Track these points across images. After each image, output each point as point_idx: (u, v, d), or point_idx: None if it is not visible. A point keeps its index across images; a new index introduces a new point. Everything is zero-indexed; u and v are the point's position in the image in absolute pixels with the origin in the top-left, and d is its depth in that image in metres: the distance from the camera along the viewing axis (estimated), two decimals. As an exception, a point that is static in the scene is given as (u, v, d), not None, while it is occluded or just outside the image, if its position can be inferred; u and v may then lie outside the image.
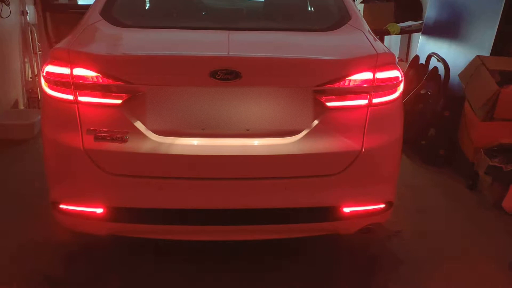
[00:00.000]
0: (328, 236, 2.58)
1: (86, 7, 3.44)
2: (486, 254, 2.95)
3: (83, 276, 2.64)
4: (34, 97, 5.47)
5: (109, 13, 2.56)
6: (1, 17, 4.88)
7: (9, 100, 5.19)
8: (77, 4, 5.60)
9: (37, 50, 5.55)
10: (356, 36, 2.51)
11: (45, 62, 2.28)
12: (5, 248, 2.86)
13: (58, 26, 5.05)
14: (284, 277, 2.67)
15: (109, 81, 2.17)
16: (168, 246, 2.84)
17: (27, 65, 5.57)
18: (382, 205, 2.40)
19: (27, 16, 5.44)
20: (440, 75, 4.48)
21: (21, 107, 5.45)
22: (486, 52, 4.05)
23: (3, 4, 4.87)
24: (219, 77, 2.12)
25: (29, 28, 5.45)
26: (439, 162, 4.25)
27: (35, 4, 5.44)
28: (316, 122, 2.24)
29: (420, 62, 5.10)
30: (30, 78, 5.60)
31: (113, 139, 2.20)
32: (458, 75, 4.11)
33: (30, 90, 5.50)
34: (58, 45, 2.32)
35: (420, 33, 5.61)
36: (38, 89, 5.48)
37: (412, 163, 4.31)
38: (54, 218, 2.43)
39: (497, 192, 3.52)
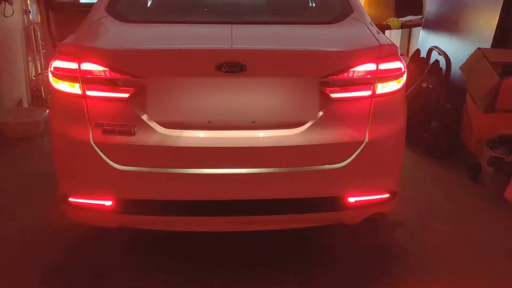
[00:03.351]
0: (333, 226, 2.62)
1: (89, 5, 3.47)
2: (489, 244, 2.99)
3: (91, 268, 2.68)
4: (38, 95, 5.50)
5: (114, 9, 2.59)
6: (4, 16, 4.92)
7: (13, 98, 5.22)
8: (79, 2, 5.62)
9: (40, 49, 5.58)
10: (359, 29, 2.54)
11: (48, 60, 2.30)
12: (14, 242, 2.90)
13: (61, 24, 5.09)
14: (289, 267, 2.71)
15: (117, 75, 2.20)
16: (177, 238, 2.88)
17: (30, 64, 5.61)
18: (387, 195, 2.43)
19: (30, 15, 5.47)
20: (441, 68, 4.50)
21: (25, 105, 5.49)
22: (487, 44, 4.07)
23: (6, 3, 4.90)
24: (224, 70, 2.16)
25: (32, 27, 5.48)
26: (441, 154, 4.28)
27: (38, 3, 5.47)
28: (320, 113, 2.28)
29: (421, 56, 5.12)
30: (34, 76, 5.63)
31: (121, 133, 2.23)
32: (460, 67, 4.13)
33: (34, 89, 5.53)
34: (66, 41, 2.35)
35: (420, 27, 5.63)
36: (42, 87, 5.52)
37: (415, 156, 4.34)
38: (62, 212, 2.46)
39: (499, 183, 3.56)
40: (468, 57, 4.05)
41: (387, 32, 6.26)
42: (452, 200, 3.57)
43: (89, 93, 2.22)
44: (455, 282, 2.62)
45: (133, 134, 2.23)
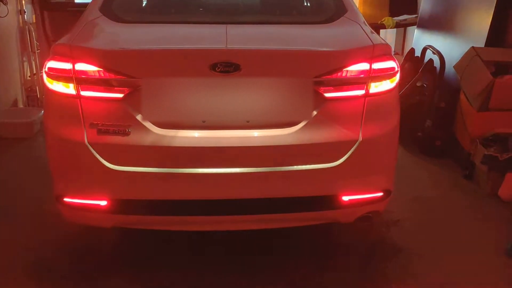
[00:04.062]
0: (328, 225, 2.63)
1: (83, 5, 3.46)
2: (483, 241, 3.01)
3: (87, 269, 2.68)
4: (33, 96, 5.50)
5: (108, 9, 2.59)
6: (-1, 17, 4.91)
7: (8, 98, 5.22)
8: (74, 2, 5.61)
9: (35, 49, 5.58)
10: (353, 28, 2.56)
11: (43, 60, 2.30)
12: (10, 243, 2.90)
13: (56, 24, 5.08)
14: (285, 265, 2.72)
15: (111, 75, 2.21)
16: (173, 238, 2.89)
17: (25, 64, 5.60)
18: (380, 193, 2.45)
19: (25, 15, 5.46)
20: (435, 67, 4.52)
21: (20, 105, 5.48)
22: (480, 43, 4.10)
23: (1, 3, 4.89)
24: (219, 70, 2.17)
25: (27, 27, 5.47)
26: (436, 153, 4.30)
27: (32, 3, 5.46)
28: (314, 112, 2.29)
29: (415, 55, 5.15)
30: (29, 77, 5.63)
31: (115, 133, 2.24)
32: (454, 66, 4.16)
33: (29, 89, 5.53)
34: (60, 41, 2.35)
35: (415, 26, 5.66)
36: (37, 87, 5.52)
37: (409, 155, 4.36)
38: (58, 212, 2.47)
39: (493, 181, 3.58)
40: (462, 56, 4.07)
41: (382, 31, 6.29)
42: (446, 198, 3.60)
43: (83, 93, 2.23)
44: (450, 280, 2.63)
45: (127, 134, 2.24)
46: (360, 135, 2.32)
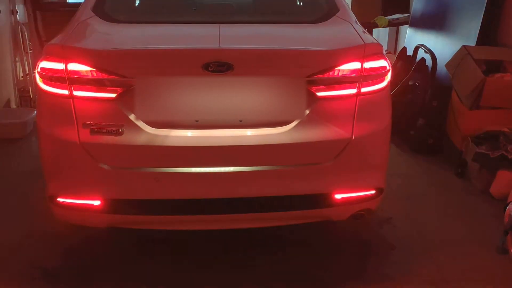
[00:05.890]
0: (321, 223, 2.65)
1: (76, 5, 3.47)
2: (475, 238, 3.03)
3: (80, 269, 2.68)
4: (26, 96, 5.48)
5: (101, 9, 2.60)
6: (-9, 17, 4.90)
7: (1, 99, 5.20)
8: (67, 2, 5.60)
9: (28, 49, 5.56)
10: (344, 28, 2.58)
11: (36, 61, 2.30)
12: (3, 243, 2.89)
13: (49, 24, 5.08)
14: (280, 264, 2.73)
15: (104, 75, 2.21)
16: (167, 239, 2.90)
17: (18, 64, 5.58)
18: (373, 191, 2.47)
19: (17, 15, 5.43)
20: (427, 66, 4.56)
21: (13, 106, 5.46)
22: (471, 42, 4.14)
23: (-7, 3, 4.89)
24: (211, 69, 2.17)
25: (19, 27, 5.45)
26: (428, 151, 4.33)
27: (25, 3, 5.45)
28: (307, 111, 2.30)
29: (408, 54, 5.18)
30: (22, 77, 5.61)
31: (108, 132, 2.24)
32: (445, 65, 4.19)
33: (22, 89, 5.51)
34: (52, 41, 2.35)
35: (407, 25, 5.69)
36: (30, 88, 5.50)
37: (402, 153, 4.39)
38: (51, 212, 2.46)
39: (484, 179, 3.61)
40: (453, 54, 4.10)
41: (375, 30, 6.32)
42: (438, 196, 3.62)
43: (76, 93, 2.23)
44: (443, 278, 2.65)
45: (120, 134, 2.24)
46: (352, 133, 2.34)
